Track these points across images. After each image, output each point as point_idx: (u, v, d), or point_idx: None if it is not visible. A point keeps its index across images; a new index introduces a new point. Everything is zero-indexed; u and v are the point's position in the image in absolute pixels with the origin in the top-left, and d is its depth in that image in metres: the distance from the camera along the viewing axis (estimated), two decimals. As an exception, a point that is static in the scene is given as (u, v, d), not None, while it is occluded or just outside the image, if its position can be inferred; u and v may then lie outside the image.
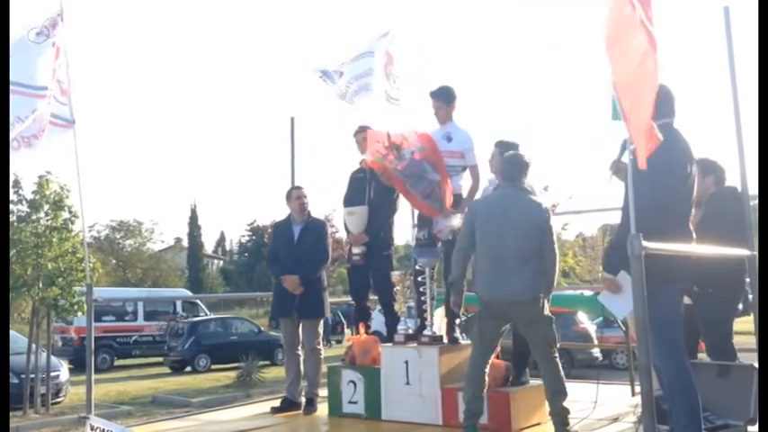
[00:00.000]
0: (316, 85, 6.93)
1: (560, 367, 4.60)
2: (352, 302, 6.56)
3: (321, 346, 6.26)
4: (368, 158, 5.53)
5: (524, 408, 4.96)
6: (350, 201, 6.20)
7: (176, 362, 20.29)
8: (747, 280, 5.09)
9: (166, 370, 20.19)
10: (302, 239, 6.18)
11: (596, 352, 15.83)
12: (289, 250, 6.19)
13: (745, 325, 6.20)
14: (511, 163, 4.66)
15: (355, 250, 6.02)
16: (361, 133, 6.14)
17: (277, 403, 6.16)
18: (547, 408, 5.16)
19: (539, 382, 5.49)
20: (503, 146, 5.21)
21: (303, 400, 6.04)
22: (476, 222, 4.57)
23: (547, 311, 4.56)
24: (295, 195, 6.32)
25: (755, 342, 4.78)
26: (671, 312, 3.82)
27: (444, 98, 5.69)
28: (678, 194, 3.89)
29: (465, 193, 5.70)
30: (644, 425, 3.30)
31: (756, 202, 6.11)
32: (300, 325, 6.22)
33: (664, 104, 3.75)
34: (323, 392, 5.99)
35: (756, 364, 4.58)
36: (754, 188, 5.04)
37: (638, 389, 5.95)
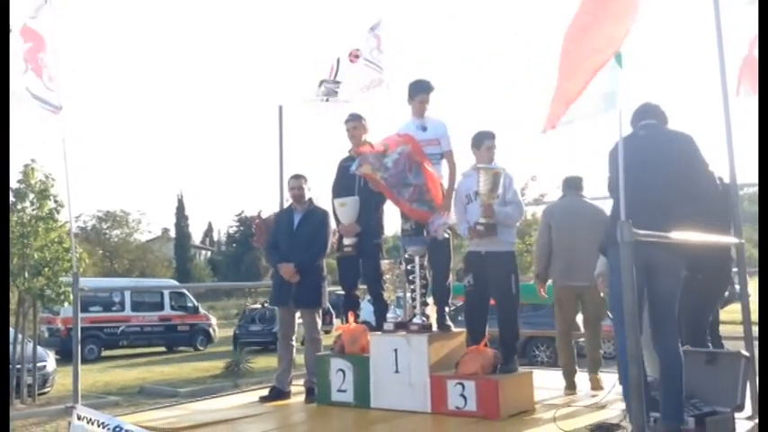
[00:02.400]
0: (304, 73, 6.91)
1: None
2: (341, 293, 6.55)
3: (321, 336, 6.25)
4: (360, 171, 5.58)
5: (513, 395, 4.97)
6: (339, 189, 6.17)
7: (259, 343, 21.63)
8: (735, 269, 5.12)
9: (154, 360, 20.15)
10: (301, 227, 6.15)
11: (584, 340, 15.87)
12: (287, 238, 6.17)
13: (730, 315, 6.25)
14: (572, 179, 6.25)
15: (346, 241, 5.99)
16: (352, 122, 6.15)
17: (266, 393, 6.14)
18: (535, 395, 5.23)
19: (527, 369, 5.54)
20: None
21: (303, 389, 6.02)
22: (551, 223, 6.05)
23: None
24: (290, 185, 6.31)
25: (743, 331, 4.83)
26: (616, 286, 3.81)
27: (412, 91, 5.86)
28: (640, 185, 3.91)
29: (445, 181, 5.78)
30: (632, 412, 3.31)
31: (744, 191, 6.17)
32: (298, 314, 6.21)
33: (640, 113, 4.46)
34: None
35: (744, 352, 4.63)
36: (742, 177, 5.06)
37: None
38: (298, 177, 6.33)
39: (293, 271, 5.95)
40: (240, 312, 25.33)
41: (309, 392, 5.91)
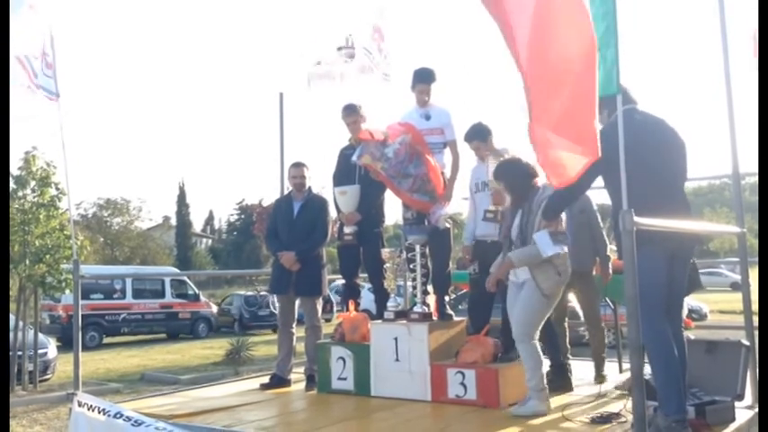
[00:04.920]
0: (304, 61, 6.90)
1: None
2: (341, 281, 6.55)
3: (321, 324, 6.25)
4: (361, 160, 5.57)
5: (512, 384, 4.97)
6: (340, 177, 6.15)
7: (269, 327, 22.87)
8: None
9: (155, 347, 20.16)
10: (301, 216, 6.14)
11: (583, 329, 15.91)
12: (287, 226, 6.16)
13: (731, 305, 6.25)
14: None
15: (347, 230, 5.99)
16: (350, 116, 6.05)
17: (266, 380, 6.16)
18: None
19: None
20: None
21: (303, 377, 6.05)
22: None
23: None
24: (291, 174, 6.28)
25: (744, 321, 4.84)
26: (648, 276, 3.62)
27: (413, 80, 5.85)
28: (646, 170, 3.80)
29: (448, 171, 5.79)
30: (634, 401, 3.31)
31: (746, 181, 6.15)
32: (298, 302, 6.21)
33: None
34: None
35: (744, 341, 4.63)
36: (744, 167, 5.04)
37: (625, 365, 6.03)
38: (299, 166, 6.30)
39: (294, 259, 5.95)
40: (251, 297, 25.81)
41: (310, 380, 5.93)
